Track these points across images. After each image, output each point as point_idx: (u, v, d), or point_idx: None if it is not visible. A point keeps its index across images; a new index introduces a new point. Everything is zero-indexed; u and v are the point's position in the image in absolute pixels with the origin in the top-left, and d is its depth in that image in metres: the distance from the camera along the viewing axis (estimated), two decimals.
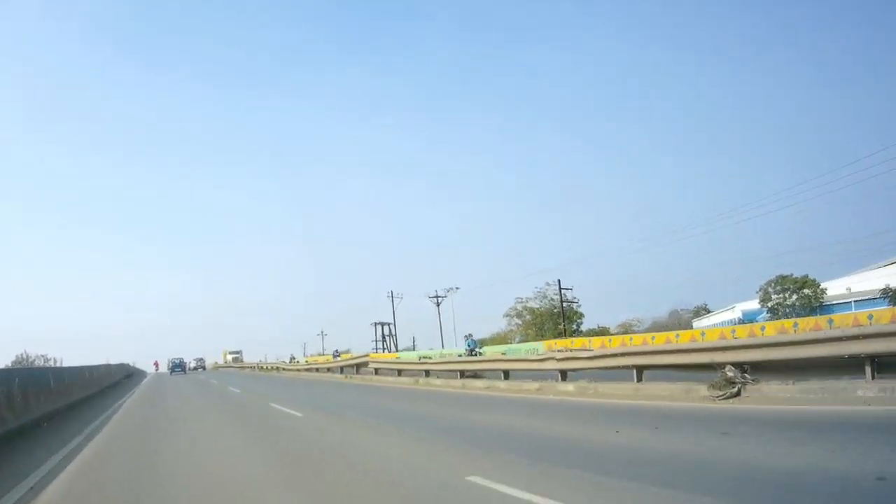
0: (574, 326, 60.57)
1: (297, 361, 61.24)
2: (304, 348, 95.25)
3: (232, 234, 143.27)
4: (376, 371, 25.39)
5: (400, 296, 73.41)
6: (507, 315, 64.35)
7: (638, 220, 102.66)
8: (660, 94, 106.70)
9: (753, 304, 58.15)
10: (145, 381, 39.51)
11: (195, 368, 65.34)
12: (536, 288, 61.11)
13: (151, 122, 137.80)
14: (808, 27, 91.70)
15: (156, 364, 70.46)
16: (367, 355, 26.69)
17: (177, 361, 60.65)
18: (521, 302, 63.93)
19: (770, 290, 59.44)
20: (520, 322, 65.24)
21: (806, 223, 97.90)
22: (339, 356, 41.94)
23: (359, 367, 27.15)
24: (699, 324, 60.03)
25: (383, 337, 76.53)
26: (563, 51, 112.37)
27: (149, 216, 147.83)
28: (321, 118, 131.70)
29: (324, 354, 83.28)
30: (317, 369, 33.29)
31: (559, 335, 57.44)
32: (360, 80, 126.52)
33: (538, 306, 62.31)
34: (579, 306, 60.53)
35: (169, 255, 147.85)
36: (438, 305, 70.53)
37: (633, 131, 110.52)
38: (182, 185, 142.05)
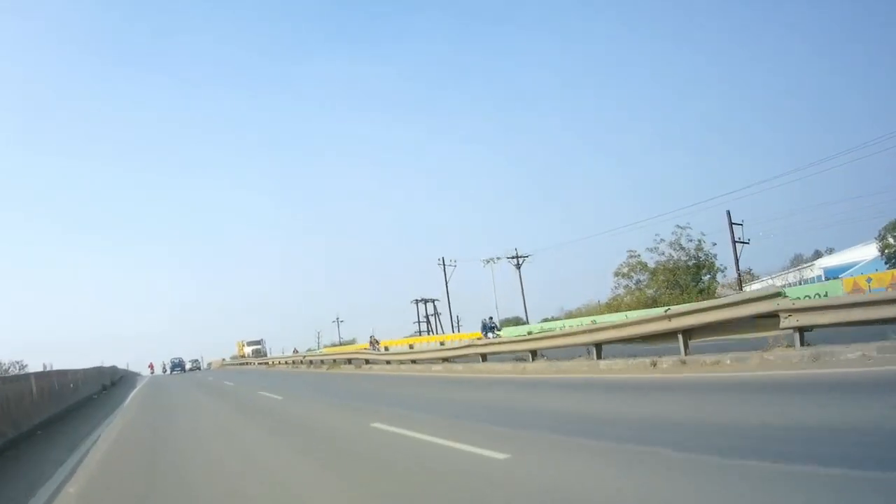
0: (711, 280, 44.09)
1: (388, 347, 40.17)
2: (319, 337, 78.24)
3: (227, 232, 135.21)
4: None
5: (453, 263, 56.70)
6: (617, 274, 47.15)
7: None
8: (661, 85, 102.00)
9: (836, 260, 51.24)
10: (134, 392, 23.45)
11: (191, 369, 62.65)
12: (657, 237, 43.65)
13: (144, 121, 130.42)
14: None
15: (150, 366, 63.04)
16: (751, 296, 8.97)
17: (176, 361, 62.28)
18: (635, 256, 46.86)
19: (890, 236, 45.11)
20: (630, 284, 48.03)
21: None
22: (495, 330, 24.58)
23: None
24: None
25: (427, 318, 62.16)
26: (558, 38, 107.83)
27: (143, 216, 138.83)
28: (315, 112, 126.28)
29: (340, 344, 67.52)
30: (489, 357, 16.16)
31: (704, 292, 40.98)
32: (356, 73, 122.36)
33: (663, 259, 45.12)
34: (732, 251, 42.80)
35: (164, 255, 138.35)
36: (519, 268, 53.36)
37: (628, 119, 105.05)
38: (174, 185, 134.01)
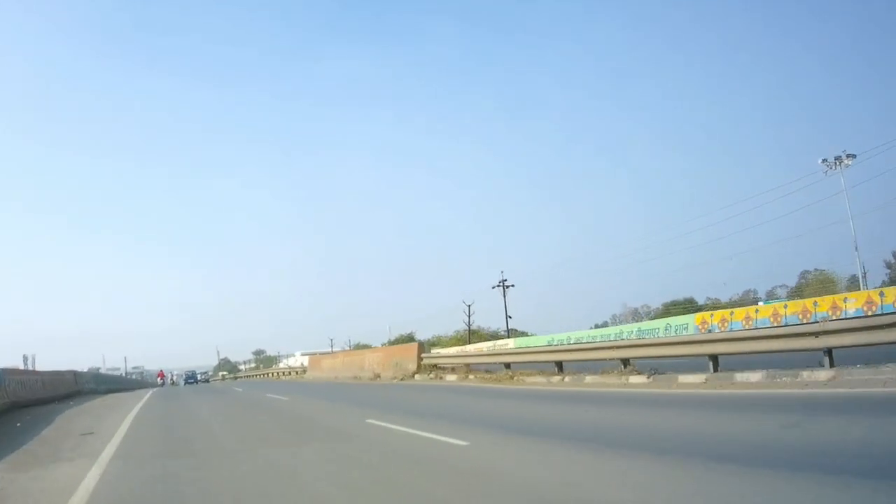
0: None
1: None
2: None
3: (245, 233, 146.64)
4: None
5: None
6: None
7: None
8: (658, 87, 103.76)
9: None
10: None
11: (202, 381, 63.46)
12: None
13: (157, 121, 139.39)
14: None
15: (160, 375, 58.53)
16: None
17: (189, 373, 64.64)
18: None
19: None
20: None
21: None
22: None
23: None
24: None
25: None
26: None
27: (159, 217, 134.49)
28: (326, 113, 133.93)
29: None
30: None
31: None
32: (364, 73, 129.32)
33: None
34: None
35: (177, 256, 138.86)
36: None
37: (630, 123, 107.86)
38: (189, 185, 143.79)
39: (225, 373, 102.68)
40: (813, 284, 52.64)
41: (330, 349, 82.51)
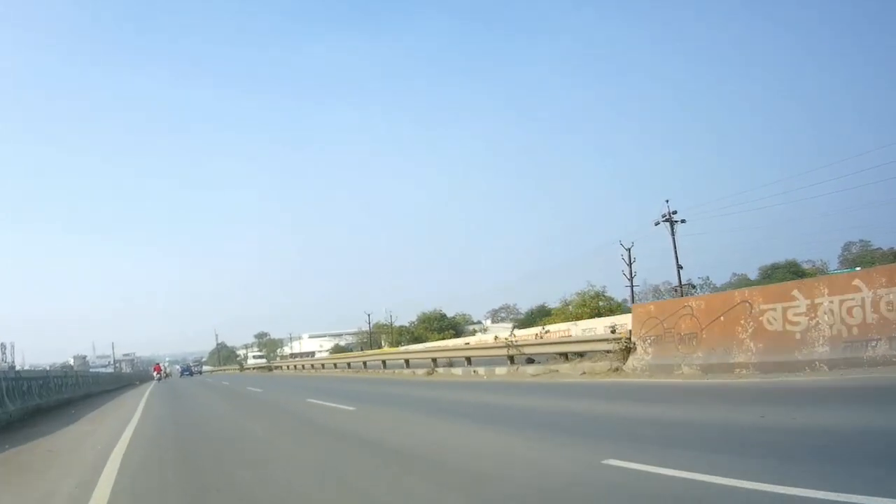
0: None
1: None
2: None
3: (245, 216, 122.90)
4: None
5: None
6: None
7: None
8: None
9: None
10: None
11: (196, 372, 66.64)
12: None
13: (139, 119, 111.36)
14: None
15: (157, 369, 52.64)
16: None
17: (185, 366, 75.65)
18: None
19: None
20: None
21: None
22: None
23: None
24: None
25: None
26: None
27: (148, 200, 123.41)
28: (327, 104, 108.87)
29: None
30: None
31: None
32: (348, 62, 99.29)
33: None
34: None
35: (171, 235, 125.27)
36: None
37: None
38: (186, 166, 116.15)
39: (262, 359, 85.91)
40: None
41: (359, 328, 71.34)
